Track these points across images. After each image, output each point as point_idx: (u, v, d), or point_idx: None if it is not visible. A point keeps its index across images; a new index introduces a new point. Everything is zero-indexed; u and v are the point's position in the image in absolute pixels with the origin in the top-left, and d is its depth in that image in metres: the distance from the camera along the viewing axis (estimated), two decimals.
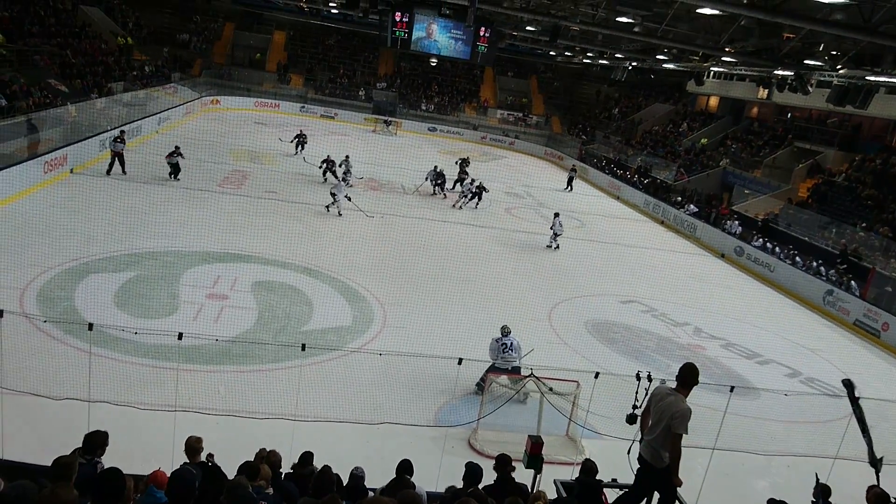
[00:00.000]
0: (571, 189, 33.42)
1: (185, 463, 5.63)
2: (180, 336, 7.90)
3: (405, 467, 6.19)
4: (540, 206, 28.09)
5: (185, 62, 41.49)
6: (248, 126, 35.77)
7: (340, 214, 20.86)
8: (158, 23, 43.87)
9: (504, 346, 10.99)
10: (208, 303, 13.00)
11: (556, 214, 21.48)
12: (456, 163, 29.46)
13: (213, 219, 17.97)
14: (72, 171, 20.46)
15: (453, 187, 28.25)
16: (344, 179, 24.32)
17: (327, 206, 21.08)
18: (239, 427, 8.49)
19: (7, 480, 4.31)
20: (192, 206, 19.23)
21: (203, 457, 5.83)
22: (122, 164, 21.59)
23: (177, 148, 21.76)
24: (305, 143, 29.54)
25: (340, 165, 25.58)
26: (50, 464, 4.63)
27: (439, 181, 26.86)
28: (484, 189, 25.81)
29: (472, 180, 26.68)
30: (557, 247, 21.22)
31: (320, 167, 25.33)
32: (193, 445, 5.79)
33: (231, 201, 20.54)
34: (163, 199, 19.33)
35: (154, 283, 13.49)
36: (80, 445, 5.33)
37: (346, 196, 21.01)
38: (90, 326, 7.92)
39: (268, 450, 6.42)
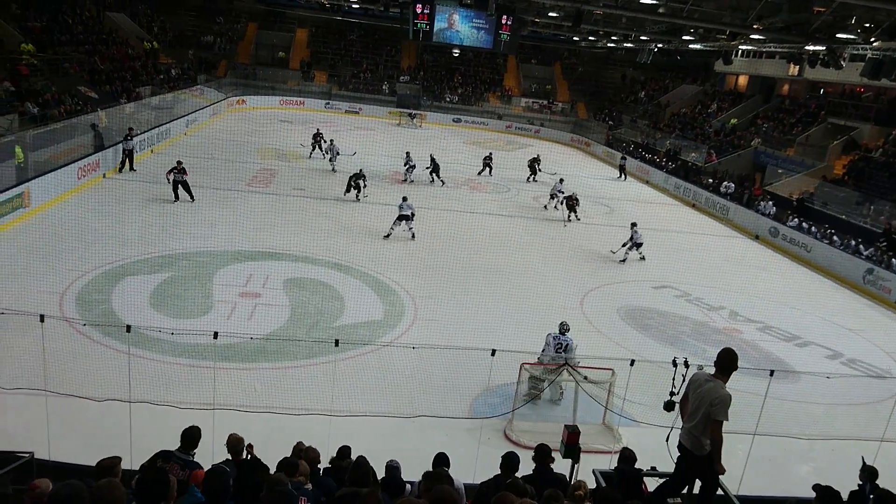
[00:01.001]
0: (625, 178, 33.13)
1: (227, 460, 5.70)
2: (216, 335, 7.99)
3: (441, 460, 6.19)
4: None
5: (210, 64, 41.92)
6: (274, 124, 36.04)
7: (389, 236, 18.60)
8: (183, 26, 44.38)
9: (559, 344, 10.57)
10: (241, 301, 13.14)
11: (634, 225, 19.27)
12: (528, 164, 29.46)
13: (243, 218, 18.17)
14: (104, 176, 20.84)
15: (528, 180, 28.71)
16: (331, 159, 26.00)
17: (412, 233, 18.68)
18: (276, 423, 8.57)
19: (54, 480, 4.40)
20: (222, 206, 19.45)
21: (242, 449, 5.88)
22: (131, 161, 22.04)
23: (178, 164, 19.32)
24: (323, 141, 28.99)
25: (326, 153, 26.54)
26: (94, 464, 4.73)
27: (434, 169, 26.27)
28: (576, 201, 23.00)
29: (561, 191, 24.38)
30: (642, 257, 19.22)
31: (350, 186, 22.15)
32: (235, 444, 5.84)
33: (260, 200, 20.72)
34: (194, 201, 19.54)
35: (188, 283, 13.68)
36: (179, 445, 5.46)
37: (409, 223, 18.57)
38: (128, 328, 8.05)
39: (305, 445, 6.47)
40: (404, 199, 18.90)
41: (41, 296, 12.01)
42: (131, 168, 21.98)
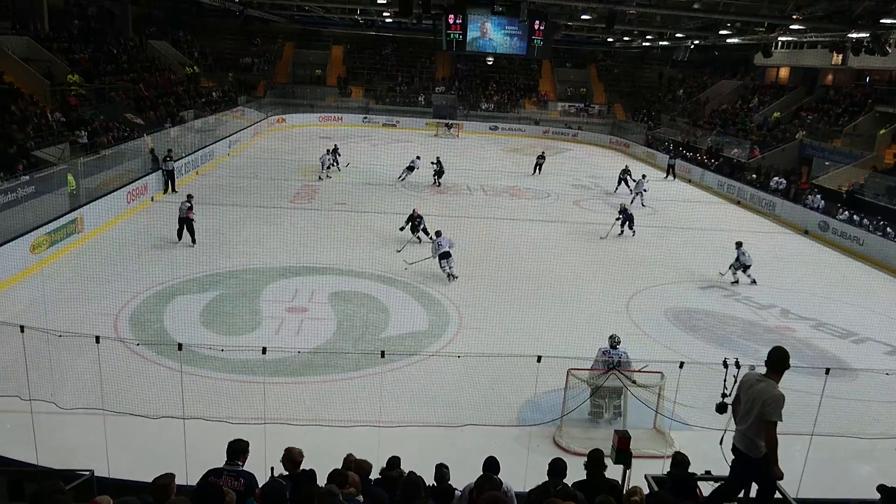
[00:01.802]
0: (674, 178, 32.87)
1: (281, 475, 5.79)
2: (264, 350, 8.15)
3: (491, 465, 6.19)
4: (608, 196, 27.60)
5: (249, 85, 42.85)
6: (314, 141, 36.47)
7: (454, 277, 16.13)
8: (222, 49, 45.44)
9: (609, 360, 9.95)
10: (289, 316, 13.35)
11: (739, 244, 17.27)
12: (620, 176, 29.02)
13: (287, 234, 18.45)
14: (152, 199, 21.42)
15: (615, 192, 28.25)
16: (329, 167, 27.35)
17: (449, 275, 16.11)
18: (326, 436, 8.66)
19: (113, 497, 4.53)
20: (266, 223, 19.79)
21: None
22: (173, 182, 22.62)
23: (189, 198, 17.72)
24: (339, 154, 29.01)
25: (326, 160, 27.40)
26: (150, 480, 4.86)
27: (438, 173, 27.15)
28: (628, 215, 21.25)
29: (645, 189, 25.53)
30: (753, 281, 17.23)
31: (407, 226, 18.90)
32: (294, 457, 5.91)
33: (303, 216, 21.03)
34: (239, 219, 19.95)
35: (236, 300, 13.95)
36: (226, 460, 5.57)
37: (450, 261, 16.10)
38: (180, 347, 8.25)
39: (356, 457, 6.52)
40: (438, 233, 16.72)
41: (96, 318, 12.39)
42: (173, 189, 22.54)
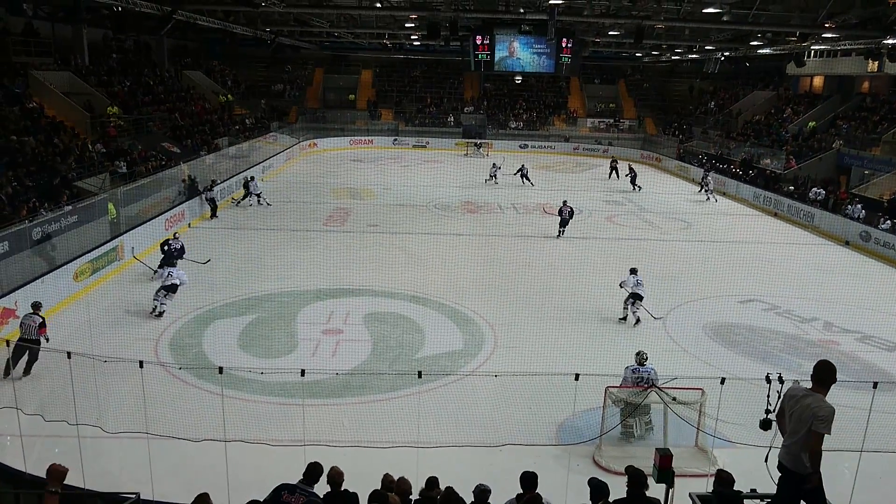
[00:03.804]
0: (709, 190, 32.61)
1: (326, 493, 5.84)
2: (303, 373, 8.21)
3: (528, 479, 6.17)
4: (641, 211, 27.39)
5: (281, 111, 43.66)
6: (346, 164, 37.01)
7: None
8: (254, 77, 46.46)
9: (640, 379, 9.91)
10: (325, 338, 13.44)
11: (634, 270, 14.81)
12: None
13: (321, 257, 18.63)
14: (189, 226, 21.84)
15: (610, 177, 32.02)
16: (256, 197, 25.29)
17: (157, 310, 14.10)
18: (365, 457, 8.66)
19: None
20: (301, 246, 20.02)
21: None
22: (214, 209, 23.37)
23: (35, 307, 11.60)
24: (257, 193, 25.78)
25: (247, 193, 25.30)
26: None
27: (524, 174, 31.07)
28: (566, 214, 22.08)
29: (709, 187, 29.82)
30: (644, 318, 14.53)
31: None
32: (335, 476, 5.99)
33: (337, 238, 21.24)
34: (274, 244, 20.22)
35: (273, 323, 14.09)
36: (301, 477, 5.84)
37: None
38: (220, 370, 8.36)
39: (395, 477, 6.54)
40: (170, 257, 15.27)
41: (137, 343, 12.64)
42: (215, 215, 23.24)
